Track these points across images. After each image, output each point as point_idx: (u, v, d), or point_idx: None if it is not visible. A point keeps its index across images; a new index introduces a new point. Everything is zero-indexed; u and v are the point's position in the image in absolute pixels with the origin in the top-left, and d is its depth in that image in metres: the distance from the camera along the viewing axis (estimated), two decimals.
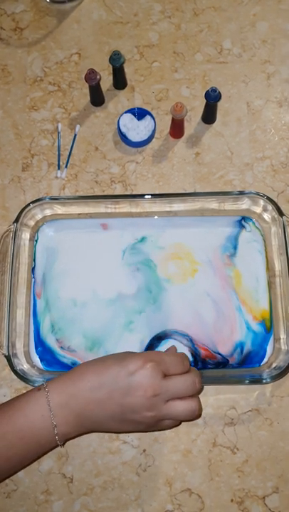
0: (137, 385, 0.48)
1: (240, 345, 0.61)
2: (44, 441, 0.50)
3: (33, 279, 0.63)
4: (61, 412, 0.49)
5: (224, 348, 0.61)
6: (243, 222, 0.65)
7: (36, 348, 0.61)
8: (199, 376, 0.52)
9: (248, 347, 0.61)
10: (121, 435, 0.59)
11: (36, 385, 0.57)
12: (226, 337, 0.61)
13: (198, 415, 0.53)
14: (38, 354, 0.61)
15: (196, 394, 0.51)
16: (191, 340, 0.61)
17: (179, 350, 0.57)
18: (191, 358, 0.60)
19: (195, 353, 0.60)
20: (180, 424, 0.57)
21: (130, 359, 0.49)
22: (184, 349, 0.60)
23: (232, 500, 0.58)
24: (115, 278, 0.63)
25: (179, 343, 0.61)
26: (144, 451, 0.59)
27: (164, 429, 0.56)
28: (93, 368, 0.50)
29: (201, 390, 0.56)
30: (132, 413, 0.49)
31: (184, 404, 0.50)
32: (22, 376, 0.57)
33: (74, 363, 0.60)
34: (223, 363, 0.60)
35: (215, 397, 0.60)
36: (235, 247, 0.64)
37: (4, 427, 0.49)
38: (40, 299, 0.62)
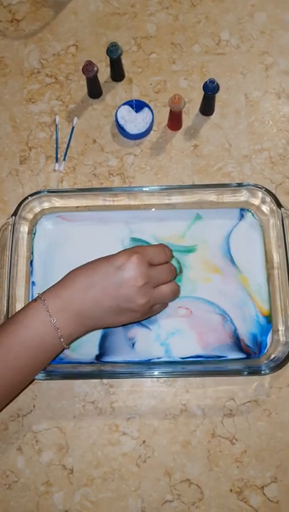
0: (128, 276, 0.52)
1: (255, 338, 0.61)
2: (50, 346, 0.52)
3: (31, 278, 0.63)
4: (60, 315, 0.51)
5: (247, 342, 0.61)
6: (243, 213, 0.65)
7: None
8: (172, 264, 0.58)
9: (259, 339, 0.61)
10: (121, 427, 0.60)
11: (36, 377, 0.57)
12: (245, 332, 0.61)
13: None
14: None
15: (174, 278, 0.58)
16: (235, 329, 0.61)
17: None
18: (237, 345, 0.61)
19: (237, 339, 0.61)
20: (167, 306, 0.61)
21: (116, 256, 0.53)
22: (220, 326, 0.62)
23: (231, 490, 0.58)
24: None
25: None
26: (144, 442, 0.59)
27: (155, 314, 0.60)
28: (84, 271, 0.53)
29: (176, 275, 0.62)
30: (127, 303, 0.52)
31: (169, 286, 0.56)
32: None
33: (61, 359, 0.61)
34: (253, 353, 0.61)
35: (214, 389, 0.60)
36: (236, 244, 0.64)
37: (10, 341, 0.51)
38: None
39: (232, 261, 0.64)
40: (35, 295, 0.59)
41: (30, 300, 0.62)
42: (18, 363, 0.51)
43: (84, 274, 0.53)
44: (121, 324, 0.57)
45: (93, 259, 0.63)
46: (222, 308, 0.62)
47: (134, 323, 0.60)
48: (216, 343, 0.61)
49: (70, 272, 0.54)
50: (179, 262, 0.64)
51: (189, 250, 0.64)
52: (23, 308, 0.53)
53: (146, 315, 0.56)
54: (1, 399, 0.52)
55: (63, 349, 0.54)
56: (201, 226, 0.65)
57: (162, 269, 0.56)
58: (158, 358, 0.61)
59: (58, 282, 0.54)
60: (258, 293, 0.62)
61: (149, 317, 0.60)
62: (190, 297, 0.63)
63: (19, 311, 0.53)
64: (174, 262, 0.64)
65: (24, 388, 0.57)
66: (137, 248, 0.55)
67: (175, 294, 0.57)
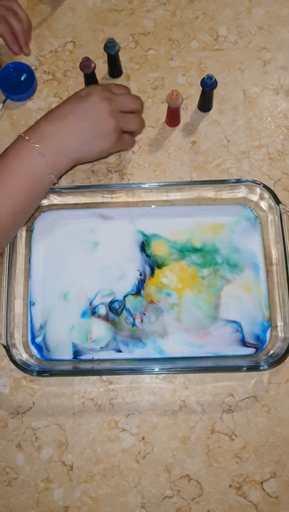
0: (94, 98, 0.58)
1: (257, 337, 0.61)
2: (43, 182, 0.56)
3: (29, 298, 0.63)
4: (47, 152, 0.55)
5: (251, 341, 0.62)
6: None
7: (32, 341, 0.62)
8: (137, 96, 0.64)
9: (261, 338, 0.61)
10: (120, 424, 0.60)
11: (35, 374, 0.57)
12: (250, 335, 0.61)
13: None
14: (34, 346, 0.61)
15: (139, 110, 0.64)
16: (243, 337, 0.61)
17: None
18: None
19: (243, 342, 0.61)
20: (134, 144, 0.67)
21: (80, 90, 0.59)
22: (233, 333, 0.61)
23: (230, 486, 0.58)
24: (115, 271, 0.63)
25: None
26: (143, 438, 0.60)
27: (126, 148, 0.65)
28: (55, 108, 0.58)
29: (142, 107, 0.66)
30: (99, 122, 0.57)
31: (136, 116, 0.63)
32: (21, 366, 0.57)
33: (50, 359, 0.61)
34: (258, 347, 0.61)
35: (213, 385, 0.61)
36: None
37: (13, 180, 0.55)
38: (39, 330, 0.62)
39: (257, 269, 0.63)
40: (35, 315, 0.62)
41: (29, 296, 0.62)
42: (18, 199, 0.55)
43: (55, 109, 0.58)
44: (99, 154, 0.60)
45: (92, 256, 0.64)
46: (239, 323, 0.61)
47: (110, 155, 0.66)
48: (221, 345, 0.61)
49: (43, 117, 0.58)
50: (223, 278, 0.63)
51: (239, 270, 0.63)
52: (8, 152, 0.56)
53: (118, 142, 0.60)
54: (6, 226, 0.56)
55: (54, 183, 0.58)
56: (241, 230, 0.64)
57: (125, 97, 0.61)
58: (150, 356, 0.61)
59: (33, 126, 0.57)
60: (264, 299, 0.62)
61: (122, 150, 0.66)
62: (220, 322, 0.62)
63: (4, 156, 0.56)
64: (218, 278, 0.63)
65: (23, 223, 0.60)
66: (98, 85, 0.64)
67: (142, 124, 0.64)
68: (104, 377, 0.61)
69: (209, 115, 0.69)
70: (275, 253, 0.62)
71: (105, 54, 0.66)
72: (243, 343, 0.61)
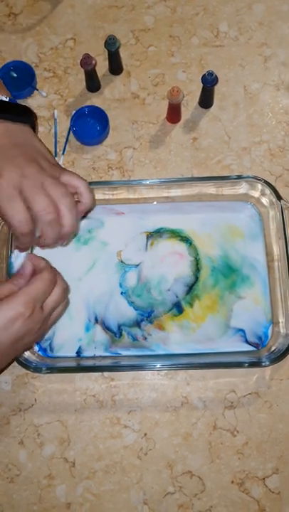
0: (17, 329, 0.47)
1: (260, 338, 0.61)
2: None
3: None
4: None
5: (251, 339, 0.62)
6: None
7: None
8: (62, 281, 0.51)
9: (263, 337, 0.61)
10: (122, 420, 0.60)
11: (37, 371, 0.57)
12: (252, 334, 0.61)
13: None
14: (37, 345, 0.61)
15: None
16: (246, 340, 0.61)
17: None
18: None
19: (245, 342, 0.61)
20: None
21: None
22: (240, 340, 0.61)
23: (232, 482, 0.58)
24: (116, 273, 0.63)
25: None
26: (145, 435, 0.60)
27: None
28: None
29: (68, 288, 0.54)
30: (23, 339, 0.48)
31: (53, 296, 0.50)
32: (23, 363, 0.57)
33: (52, 356, 0.61)
34: (258, 345, 0.61)
35: (215, 381, 0.61)
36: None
37: None
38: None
39: (264, 280, 0.63)
40: None
41: None
42: None
43: None
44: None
45: (91, 256, 0.64)
46: (244, 330, 0.61)
47: None
48: (223, 345, 0.61)
49: None
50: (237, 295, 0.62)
51: (250, 284, 0.62)
52: None
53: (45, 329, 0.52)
54: None
55: None
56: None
57: (51, 301, 0.50)
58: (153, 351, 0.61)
59: None
60: (267, 304, 0.62)
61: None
62: (229, 332, 0.62)
63: None
64: (233, 297, 0.62)
65: None
66: (21, 299, 0.47)
67: (64, 297, 0.52)
68: (106, 374, 0.61)
69: (210, 111, 0.69)
70: (277, 249, 0.62)
71: (106, 51, 0.66)
72: (245, 341, 0.61)
